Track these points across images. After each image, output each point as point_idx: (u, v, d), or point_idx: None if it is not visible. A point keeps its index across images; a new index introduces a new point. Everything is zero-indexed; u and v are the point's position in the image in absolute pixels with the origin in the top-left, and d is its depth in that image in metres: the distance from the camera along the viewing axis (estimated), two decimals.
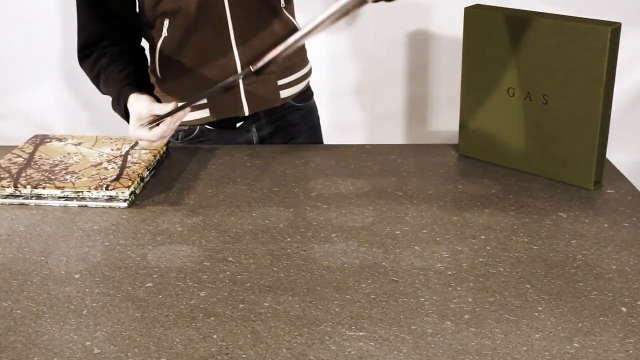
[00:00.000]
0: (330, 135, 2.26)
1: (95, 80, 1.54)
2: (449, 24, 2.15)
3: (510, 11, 1.42)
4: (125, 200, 1.34)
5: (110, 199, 1.34)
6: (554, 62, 1.36)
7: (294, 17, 1.65)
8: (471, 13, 1.45)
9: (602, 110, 1.33)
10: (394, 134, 2.33)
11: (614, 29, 1.29)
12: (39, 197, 1.35)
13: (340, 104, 2.28)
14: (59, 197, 1.35)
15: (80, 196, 1.34)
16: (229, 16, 1.52)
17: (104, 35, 1.52)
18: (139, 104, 1.40)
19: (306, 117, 1.74)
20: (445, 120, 2.28)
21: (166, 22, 1.53)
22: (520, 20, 1.38)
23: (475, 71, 1.48)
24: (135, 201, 1.36)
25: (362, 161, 1.54)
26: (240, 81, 1.57)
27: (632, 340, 0.96)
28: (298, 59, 1.68)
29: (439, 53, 2.21)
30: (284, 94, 1.65)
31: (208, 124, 1.63)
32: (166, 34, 1.54)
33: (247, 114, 1.61)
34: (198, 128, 1.64)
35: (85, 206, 1.34)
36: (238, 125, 1.65)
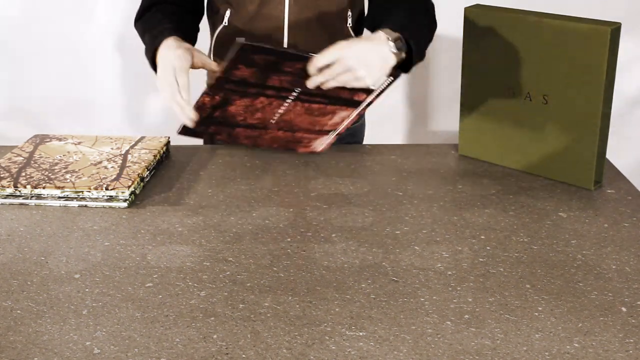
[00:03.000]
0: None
1: (142, 33, 1.49)
2: (449, 24, 2.15)
3: (510, 11, 1.42)
4: (125, 200, 1.34)
5: (110, 199, 1.34)
6: (554, 62, 1.36)
7: (359, 32, 1.60)
8: (471, 13, 1.45)
9: (602, 110, 1.33)
10: (394, 134, 2.33)
11: (614, 29, 1.29)
12: (39, 197, 1.35)
13: None
14: (59, 197, 1.35)
15: (80, 196, 1.34)
16: (286, 33, 1.50)
17: None
18: (182, 49, 1.32)
19: (344, 140, 1.63)
20: (445, 120, 2.28)
21: (228, 12, 1.53)
22: (520, 20, 1.38)
23: (475, 71, 1.48)
24: (135, 201, 1.36)
25: (362, 161, 1.54)
26: None
27: (632, 340, 0.96)
28: None
29: (439, 53, 2.21)
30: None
31: None
32: (226, 24, 1.54)
33: None
34: None
35: (85, 206, 1.34)
36: None
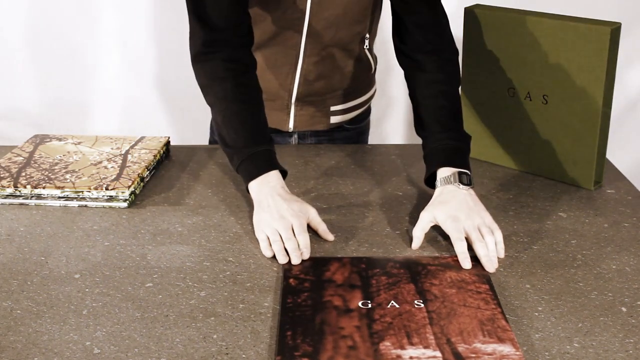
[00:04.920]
0: None
1: (211, 104, 1.34)
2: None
3: (510, 11, 1.42)
4: (125, 200, 1.34)
5: (110, 199, 1.34)
6: (554, 62, 1.36)
7: (371, 53, 1.57)
8: (471, 13, 1.45)
9: (602, 110, 1.33)
10: (394, 134, 2.33)
11: (614, 29, 1.29)
12: (39, 197, 1.35)
13: None
14: (59, 197, 1.35)
15: (80, 196, 1.34)
16: (302, 50, 1.44)
17: (234, 28, 1.32)
18: (299, 204, 1.22)
19: (353, 139, 1.65)
20: None
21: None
22: (520, 20, 1.38)
23: (475, 71, 1.48)
24: (135, 201, 1.36)
25: (362, 161, 1.54)
26: (294, 99, 1.51)
27: (632, 340, 0.96)
28: (363, 83, 1.59)
29: None
30: (335, 119, 1.59)
31: None
32: None
33: (291, 130, 1.57)
34: None
35: (85, 206, 1.34)
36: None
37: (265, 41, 1.44)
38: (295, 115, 1.55)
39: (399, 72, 2.19)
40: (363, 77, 1.58)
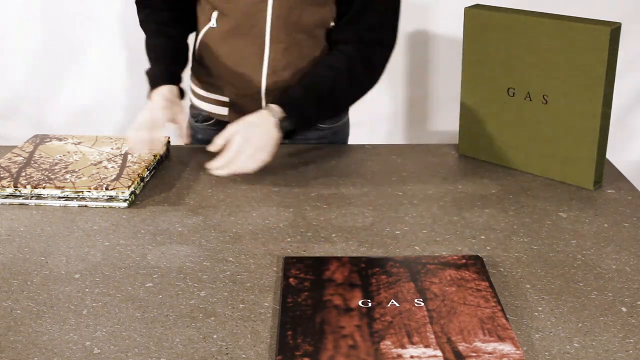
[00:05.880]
0: None
1: (143, 31, 1.60)
2: (449, 24, 2.15)
3: (510, 11, 1.42)
4: (125, 200, 1.34)
5: (110, 199, 1.34)
6: (554, 62, 1.36)
7: None
8: (471, 13, 1.45)
9: (602, 110, 1.33)
10: (394, 134, 2.33)
11: (614, 29, 1.29)
12: (39, 197, 1.35)
13: None
14: (59, 197, 1.35)
15: (80, 196, 1.34)
16: (268, 38, 1.49)
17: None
18: (166, 107, 1.47)
19: (327, 138, 1.67)
20: (445, 120, 2.28)
21: (215, 14, 1.52)
22: (520, 20, 1.38)
23: (475, 71, 1.48)
24: (135, 201, 1.36)
25: (362, 161, 1.54)
26: (263, 93, 1.54)
27: (632, 340, 0.96)
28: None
29: (439, 53, 2.21)
30: None
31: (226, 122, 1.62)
32: (213, 25, 1.53)
33: None
34: (215, 118, 1.65)
35: (85, 206, 1.34)
36: None
37: (233, 30, 1.49)
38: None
39: (399, 72, 2.18)
40: None
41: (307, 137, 1.64)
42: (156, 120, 1.45)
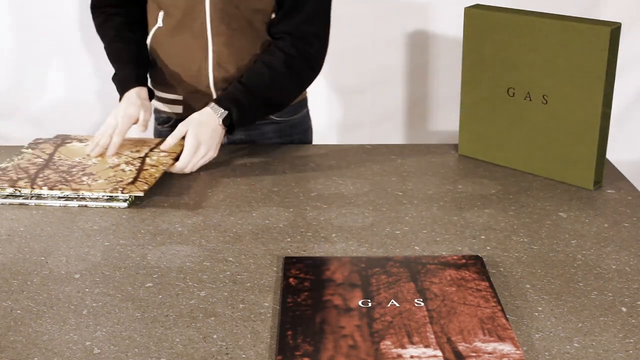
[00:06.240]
0: (331, 135, 2.26)
1: (101, 37, 1.64)
2: (449, 24, 2.15)
3: (510, 11, 1.42)
4: (125, 201, 1.34)
5: (110, 199, 1.34)
6: (554, 62, 1.36)
7: None
8: (471, 13, 1.45)
9: (602, 110, 1.33)
10: (394, 134, 2.33)
11: (614, 29, 1.29)
12: (39, 197, 1.35)
13: (340, 103, 2.27)
14: (59, 197, 1.35)
15: (80, 196, 1.34)
16: (209, 31, 1.52)
17: (112, 1, 1.61)
18: (136, 107, 1.53)
19: (285, 132, 1.68)
20: (445, 120, 2.28)
21: (161, 13, 1.55)
22: (520, 20, 1.38)
23: (475, 71, 1.48)
24: (135, 201, 1.36)
25: (362, 161, 1.54)
26: (212, 87, 1.57)
27: (632, 340, 0.96)
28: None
29: (439, 53, 2.21)
30: None
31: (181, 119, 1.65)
32: (160, 25, 1.56)
33: None
34: (174, 118, 1.67)
35: (85, 206, 1.34)
36: None
37: (177, 27, 1.53)
38: None
39: (399, 72, 2.19)
40: None
41: (264, 131, 1.66)
42: (121, 125, 1.50)
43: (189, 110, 1.60)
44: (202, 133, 1.46)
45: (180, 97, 1.62)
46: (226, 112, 1.49)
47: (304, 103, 1.72)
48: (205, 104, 1.52)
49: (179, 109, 1.64)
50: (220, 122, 1.48)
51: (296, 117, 1.70)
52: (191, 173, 1.47)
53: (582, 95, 1.34)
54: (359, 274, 1.09)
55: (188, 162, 1.45)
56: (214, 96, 1.58)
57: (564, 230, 1.25)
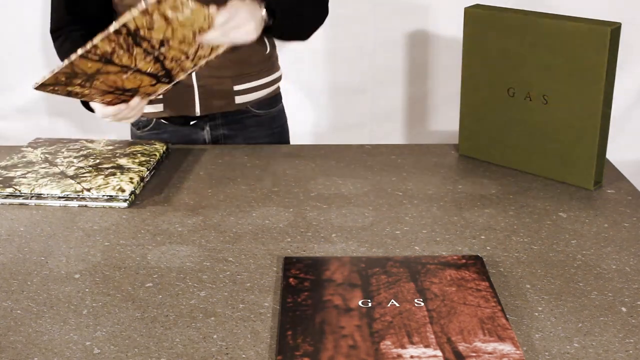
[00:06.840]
0: (331, 135, 2.27)
1: (61, 59, 1.57)
2: (449, 24, 2.16)
3: (510, 11, 1.42)
4: (125, 200, 1.34)
5: (110, 199, 1.34)
6: (554, 62, 1.36)
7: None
8: (471, 13, 1.45)
9: (602, 110, 1.33)
10: (394, 134, 2.33)
11: (614, 29, 1.29)
12: (39, 197, 1.35)
13: (340, 103, 2.28)
14: (59, 197, 1.35)
15: (80, 196, 1.34)
16: None
17: (71, 20, 1.58)
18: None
19: (265, 125, 1.71)
20: (445, 120, 2.28)
21: None
22: (520, 20, 1.38)
23: (475, 71, 1.48)
24: (135, 201, 1.36)
25: (362, 161, 1.54)
26: (194, 79, 1.58)
27: (632, 340, 0.96)
28: (262, 65, 1.67)
29: (439, 53, 2.21)
30: (241, 99, 1.65)
31: (163, 118, 1.65)
32: None
33: (198, 114, 1.63)
34: (154, 120, 1.67)
35: (85, 206, 1.34)
36: (192, 122, 1.67)
37: None
38: (200, 98, 1.60)
39: (399, 72, 2.19)
40: (258, 57, 1.64)
41: (246, 125, 1.68)
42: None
43: (170, 106, 1.60)
44: (243, 6, 1.37)
45: (160, 95, 1.59)
46: (266, 8, 1.43)
47: (279, 98, 1.76)
48: (188, 95, 1.52)
49: (159, 107, 1.63)
50: (263, 8, 1.41)
51: (274, 109, 1.73)
52: (192, 171, 1.47)
53: (582, 95, 1.34)
54: (359, 274, 1.09)
55: (221, 29, 1.34)
56: (196, 86, 1.59)
57: (564, 230, 1.25)
